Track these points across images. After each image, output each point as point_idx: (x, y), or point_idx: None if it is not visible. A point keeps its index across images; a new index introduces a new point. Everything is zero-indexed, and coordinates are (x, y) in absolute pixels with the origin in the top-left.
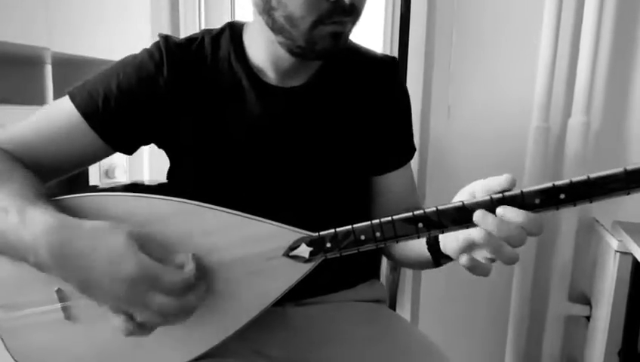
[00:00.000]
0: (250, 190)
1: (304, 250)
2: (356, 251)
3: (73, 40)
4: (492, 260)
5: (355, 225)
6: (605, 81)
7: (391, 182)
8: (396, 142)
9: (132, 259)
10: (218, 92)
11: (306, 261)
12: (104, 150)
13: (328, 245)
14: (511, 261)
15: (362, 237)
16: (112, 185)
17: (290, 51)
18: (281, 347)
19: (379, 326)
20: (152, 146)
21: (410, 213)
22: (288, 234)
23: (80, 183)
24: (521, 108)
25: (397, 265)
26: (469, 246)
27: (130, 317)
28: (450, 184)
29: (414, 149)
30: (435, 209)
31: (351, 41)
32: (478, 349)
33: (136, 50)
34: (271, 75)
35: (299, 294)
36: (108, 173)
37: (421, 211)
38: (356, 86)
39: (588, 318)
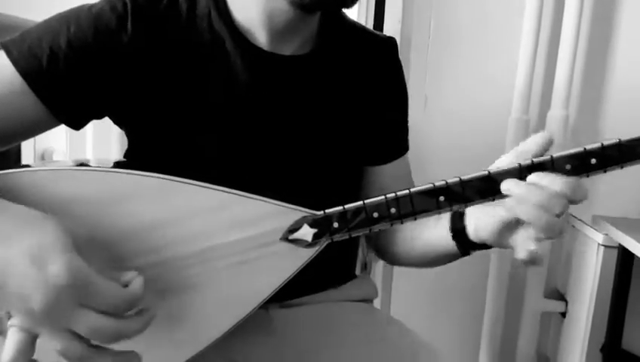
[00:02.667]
0: (230, 171)
1: (306, 232)
2: (368, 231)
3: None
4: (538, 240)
5: (366, 201)
6: (582, 75)
7: (385, 175)
8: (393, 131)
9: (62, 260)
10: (195, 55)
11: (309, 245)
12: (46, 120)
13: (335, 225)
14: (559, 232)
15: (375, 215)
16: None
17: (296, 1)
18: (265, 357)
19: (372, 330)
20: (98, 126)
21: (431, 185)
22: (287, 213)
23: (7, 166)
24: (501, 100)
25: (401, 264)
26: (507, 227)
27: (33, 339)
28: (426, 176)
29: (407, 143)
30: (458, 179)
31: (348, 17)
32: (451, 346)
33: None
34: (261, 37)
35: (283, 294)
36: (44, 158)
37: (442, 182)
38: (355, 63)
39: (563, 314)
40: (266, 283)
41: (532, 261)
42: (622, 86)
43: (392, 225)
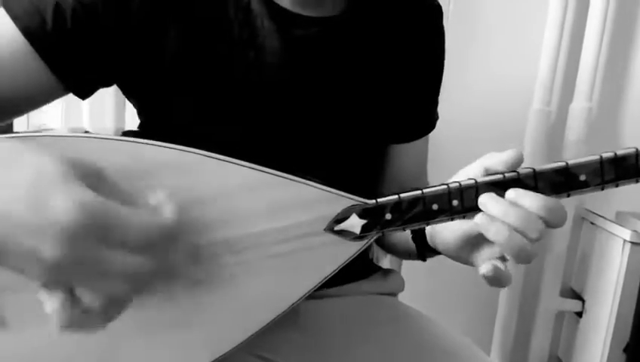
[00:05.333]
0: (254, 143)
1: (355, 223)
2: (425, 226)
3: None
4: (503, 259)
5: (425, 190)
6: (606, 68)
7: (406, 155)
8: (425, 105)
9: (65, 192)
10: (217, 17)
11: (356, 238)
12: (51, 86)
13: (388, 216)
14: (529, 258)
15: (434, 207)
16: None
17: None
18: (294, 352)
19: (402, 324)
20: (94, 104)
21: (500, 175)
22: (334, 200)
23: None
24: (521, 91)
25: (389, 252)
26: (470, 241)
27: (72, 296)
28: (442, 169)
29: (436, 120)
30: (531, 170)
31: None
32: None
33: None
34: (288, 2)
35: None
36: None
37: (514, 173)
38: (393, 26)
39: (578, 314)
40: (305, 278)
41: (497, 281)
42: None
43: (452, 219)
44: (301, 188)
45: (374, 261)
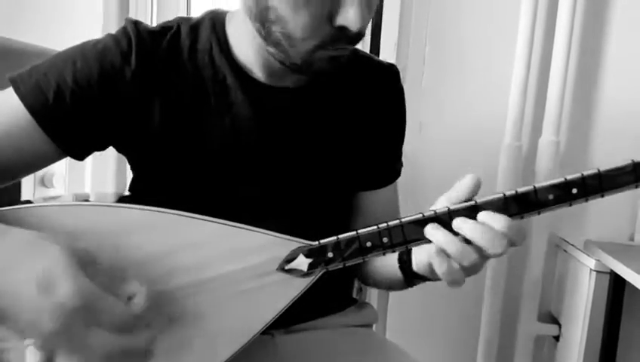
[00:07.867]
0: (231, 201)
1: (302, 262)
2: (361, 260)
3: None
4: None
5: (360, 231)
6: (572, 103)
7: (375, 200)
8: (390, 158)
9: (70, 282)
10: (197, 89)
11: (304, 275)
12: (52, 154)
13: (330, 255)
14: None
15: (368, 244)
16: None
17: (282, 64)
18: None
19: (374, 356)
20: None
21: (420, 215)
22: (283, 244)
23: (6, 194)
24: (493, 127)
25: (364, 283)
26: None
27: (51, 357)
28: (421, 201)
29: (400, 169)
30: (446, 209)
31: None
32: None
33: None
34: (260, 75)
35: (288, 320)
36: (44, 182)
37: (431, 212)
38: (356, 90)
39: (556, 338)
40: (262, 313)
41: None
42: (611, 113)
43: (384, 253)
44: (255, 236)
45: (359, 291)
